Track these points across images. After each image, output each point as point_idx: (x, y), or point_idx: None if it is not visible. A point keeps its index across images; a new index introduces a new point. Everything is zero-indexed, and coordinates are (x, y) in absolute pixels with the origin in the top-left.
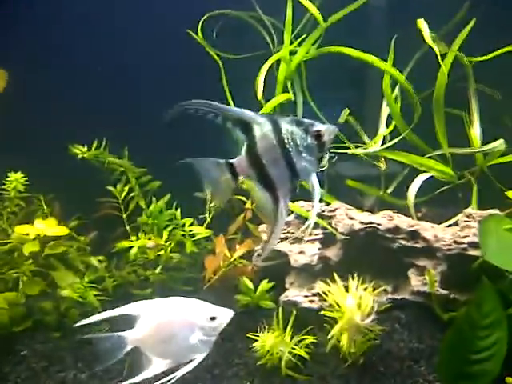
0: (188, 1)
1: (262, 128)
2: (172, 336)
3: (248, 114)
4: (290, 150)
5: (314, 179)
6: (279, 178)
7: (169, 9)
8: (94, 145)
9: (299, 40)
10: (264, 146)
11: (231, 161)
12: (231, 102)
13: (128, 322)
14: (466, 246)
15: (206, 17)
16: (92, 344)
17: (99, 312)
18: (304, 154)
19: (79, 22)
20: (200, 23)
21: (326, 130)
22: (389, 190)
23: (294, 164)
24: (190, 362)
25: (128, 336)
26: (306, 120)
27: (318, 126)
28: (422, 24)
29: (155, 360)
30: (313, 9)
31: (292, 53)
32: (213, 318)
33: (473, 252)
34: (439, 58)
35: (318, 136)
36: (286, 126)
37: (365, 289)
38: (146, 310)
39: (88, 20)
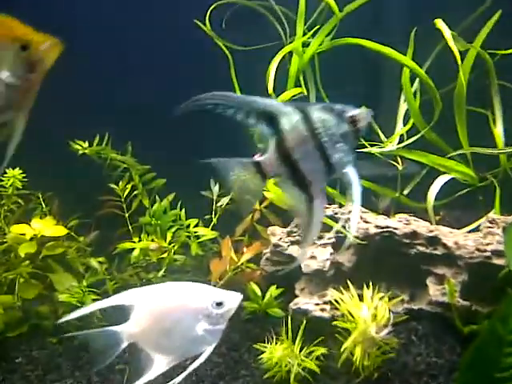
0: None
1: (290, 119)
2: (173, 327)
3: (273, 104)
4: (325, 140)
5: (351, 171)
6: (313, 174)
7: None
8: (96, 140)
9: (312, 31)
10: (294, 139)
11: (258, 159)
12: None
13: (122, 314)
14: (489, 254)
15: (213, 6)
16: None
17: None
18: (339, 144)
19: (80, 15)
20: (207, 13)
21: (361, 114)
22: (405, 192)
23: (328, 156)
24: (196, 356)
25: (122, 330)
26: (337, 105)
27: (353, 111)
28: (441, 24)
29: (157, 357)
30: None
31: (305, 44)
32: (219, 304)
33: (497, 261)
34: (458, 59)
35: (353, 122)
36: (317, 113)
37: (380, 298)
38: (141, 298)
39: (90, 12)
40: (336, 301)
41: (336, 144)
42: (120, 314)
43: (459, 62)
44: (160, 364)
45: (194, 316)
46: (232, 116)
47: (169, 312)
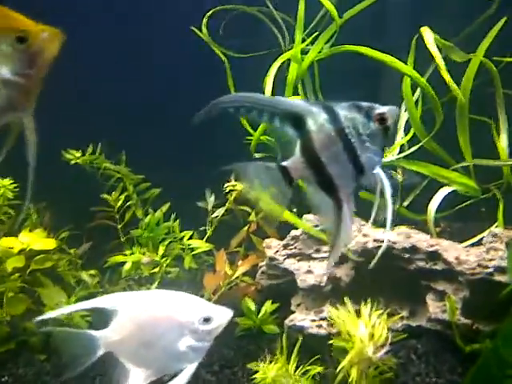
0: None
1: (316, 120)
2: (155, 340)
3: (298, 104)
4: (353, 140)
5: (380, 172)
6: (342, 177)
7: (175, 5)
8: (89, 150)
9: (311, 38)
10: (322, 141)
11: (285, 163)
12: None
13: (104, 318)
14: (491, 270)
15: (210, 13)
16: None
17: None
18: (368, 144)
19: (74, 22)
20: (204, 20)
21: (389, 111)
22: (405, 203)
23: (358, 157)
24: (176, 373)
25: (100, 336)
26: (364, 103)
27: (381, 108)
28: (426, 32)
29: (133, 370)
30: (328, 4)
31: (304, 52)
32: (207, 320)
33: (500, 277)
34: (444, 71)
35: (381, 120)
36: (345, 112)
37: (379, 315)
38: (125, 304)
39: (86, 18)
40: (333, 318)
41: (364, 143)
42: (104, 319)
43: (445, 73)
44: (136, 378)
45: (178, 330)
46: (256, 118)
47: (152, 322)
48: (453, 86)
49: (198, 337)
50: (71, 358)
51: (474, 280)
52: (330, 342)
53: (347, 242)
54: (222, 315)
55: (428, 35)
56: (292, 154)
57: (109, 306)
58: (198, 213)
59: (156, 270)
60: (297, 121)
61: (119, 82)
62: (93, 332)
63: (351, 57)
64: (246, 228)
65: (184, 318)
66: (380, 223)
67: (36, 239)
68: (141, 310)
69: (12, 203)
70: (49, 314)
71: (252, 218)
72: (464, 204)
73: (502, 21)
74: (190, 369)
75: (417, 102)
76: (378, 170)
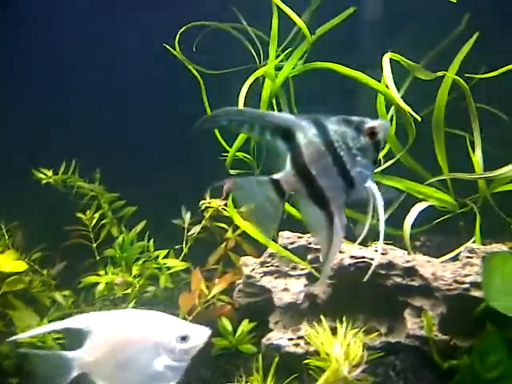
0: (171, 13)
1: (306, 133)
2: (131, 360)
3: (288, 118)
4: (342, 154)
5: (372, 186)
6: (332, 190)
7: (149, 21)
8: (62, 168)
9: (283, 55)
10: (311, 154)
11: (276, 177)
12: None
13: (78, 339)
14: (468, 286)
15: (183, 29)
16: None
17: None
18: (358, 158)
19: (46, 42)
20: (177, 36)
21: (380, 125)
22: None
23: (347, 171)
24: None
25: (74, 357)
26: (354, 117)
27: (371, 123)
28: (384, 61)
29: None
30: (299, 21)
31: (278, 68)
32: (184, 338)
33: (476, 293)
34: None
35: (372, 134)
36: (334, 126)
37: (355, 334)
38: (99, 324)
39: (58, 36)
40: (309, 337)
41: (355, 158)
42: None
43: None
44: None
45: (154, 349)
46: (247, 132)
47: (127, 343)
48: (405, 109)
49: (175, 356)
50: (45, 380)
51: (451, 296)
52: (306, 361)
53: (337, 253)
54: (199, 334)
55: (386, 64)
56: (283, 167)
57: (82, 326)
58: (174, 231)
59: (129, 290)
60: (287, 134)
61: (93, 99)
62: (66, 353)
63: (327, 72)
64: (224, 245)
65: (160, 337)
66: (357, 239)
67: (6, 261)
68: (115, 330)
69: None
70: (22, 335)
71: (229, 235)
72: (442, 218)
73: (474, 37)
74: None
75: (392, 117)
76: (369, 184)
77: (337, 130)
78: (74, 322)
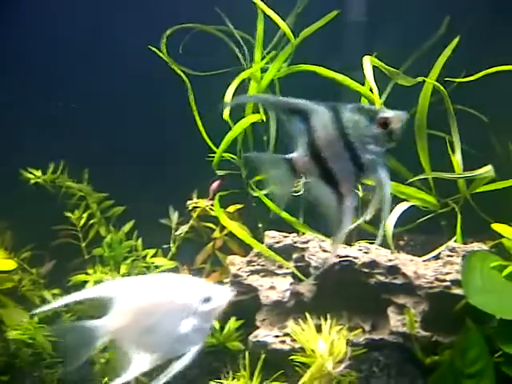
0: (158, 14)
1: (321, 117)
2: (157, 324)
3: (305, 103)
4: (353, 141)
5: (382, 174)
6: (343, 174)
7: (137, 22)
8: (51, 169)
9: (268, 58)
10: (324, 138)
11: (289, 156)
12: (199, 122)
13: (101, 307)
14: (449, 284)
15: (169, 31)
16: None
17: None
18: (370, 146)
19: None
20: (164, 38)
21: (395, 116)
22: (367, 218)
23: (358, 156)
24: (179, 357)
25: (100, 326)
26: (371, 107)
27: (385, 113)
28: (365, 61)
29: (136, 356)
30: (283, 25)
31: (264, 70)
32: (207, 300)
33: (456, 291)
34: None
35: (384, 124)
36: (348, 114)
37: (339, 330)
38: (123, 291)
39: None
40: (295, 334)
41: (366, 145)
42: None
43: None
44: (140, 364)
45: (179, 312)
46: (270, 108)
47: (152, 307)
48: None
49: (199, 318)
50: (73, 351)
51: (432, 293)
52: (291, 357)
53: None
54: (221, 294)
55: (368, 66)
56: (297, 148)
57: (106, 294)
58: (162, 230)
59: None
60: (303, 116)
61: (81, 98)
62: (92, 322)
63: (312, 74)
64: (211, 244)
65: (184, 299)
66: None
67: None
68: (139, 296)
69: None
70: (47, 306)
71: (216, 234)
72: (424, 218)
73: (455, 41)
74: (192, 351)
75: None
76: (379, 172)
77: (351, 117)
78: (97, 290)
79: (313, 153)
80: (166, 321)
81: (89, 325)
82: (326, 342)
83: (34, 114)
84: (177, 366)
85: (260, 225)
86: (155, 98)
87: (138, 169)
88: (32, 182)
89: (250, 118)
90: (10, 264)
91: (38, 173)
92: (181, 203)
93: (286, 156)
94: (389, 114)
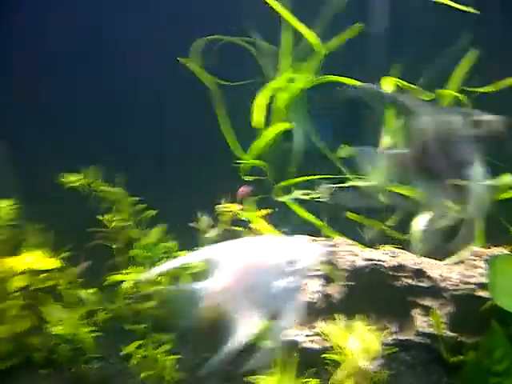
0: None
1: (422, 118)
2: (254, 285)
3: (413, 102)
4: (451, 140)
5: (476, 170)
6: (440, 171)
7: (164, 34)
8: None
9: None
10: (424, 137)
11: (391, 152)
12: (228, 130)
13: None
14: (474, 286)
15: (196, 43)
16: None
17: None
18: (466, 145)
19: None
20: (192, 49)
21: (489, 120)
22: (390, 223)
23: (455, 155)
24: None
25: (203, 288)
26: (468, 110)
27: (480, 116)
28: (385, 82)
29: (239, 318)
30: (310, 35)
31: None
32: (296, 260)
33: (481, 293)
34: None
35: (479, 126)
36: (447, 115)
37: (370, 330)
38: (223, 254)
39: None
40: (326, 333)
41: (462, 144)
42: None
43: None
44: (245, 324)
45: (273, 272)
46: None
47: (250, 268)
48: None
49: (291, 277)
50: (178, 312)
51: (458, 295)
52: (323, 355)
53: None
54: (310, 254)
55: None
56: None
57: (209, 257)
58: (193, 234)
59: (153, 288)
60: (407, 116)
61: (116, 106)
62: (195, 284)
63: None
64: None
65: (276, 259)
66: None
67: (39, 259)
68: (237, 259)
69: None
70: (160, 268)
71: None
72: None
73: (473, 55)
74: (291, 308)
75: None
76: (473, 169)
77: (448, 119)
78: (198, 255)
79: (413, 149)
80: (263, 281)
81: (193, 287)
82: (358, 340)
83: (69, 123)
84: (284, 322)
85: (284, 229)
86: (182, 106)
87: (171, 173)
88: (69, 186)
89: (279, 126)
90: (52, 263)
91: (74, 178)
92: (208, 207)
93: (389, 151)
94: (484, 117)
